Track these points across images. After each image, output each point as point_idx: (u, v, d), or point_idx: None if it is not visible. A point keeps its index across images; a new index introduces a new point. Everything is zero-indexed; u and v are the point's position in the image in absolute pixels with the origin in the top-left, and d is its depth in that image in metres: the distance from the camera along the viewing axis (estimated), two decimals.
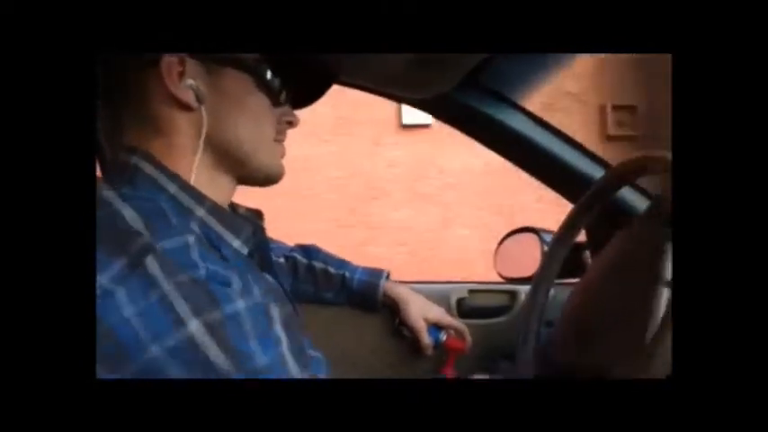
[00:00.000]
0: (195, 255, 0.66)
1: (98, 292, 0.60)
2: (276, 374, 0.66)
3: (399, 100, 1.42)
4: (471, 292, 1.61)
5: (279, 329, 0.71)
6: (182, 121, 0.77)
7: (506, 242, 1.60)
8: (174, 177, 0.75)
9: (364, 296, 1.41)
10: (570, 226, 1.10)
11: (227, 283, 0.68)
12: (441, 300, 1.51)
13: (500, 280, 1.61)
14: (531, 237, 1.48)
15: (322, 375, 0.71)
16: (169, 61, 0.75)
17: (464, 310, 1.59)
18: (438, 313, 1.40)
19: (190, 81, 0.76)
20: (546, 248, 1.31)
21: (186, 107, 0.77)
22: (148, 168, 0.75)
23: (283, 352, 0.68)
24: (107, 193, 0.70)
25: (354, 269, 1.39)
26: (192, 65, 0.76)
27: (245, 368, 0.63)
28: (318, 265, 1.38)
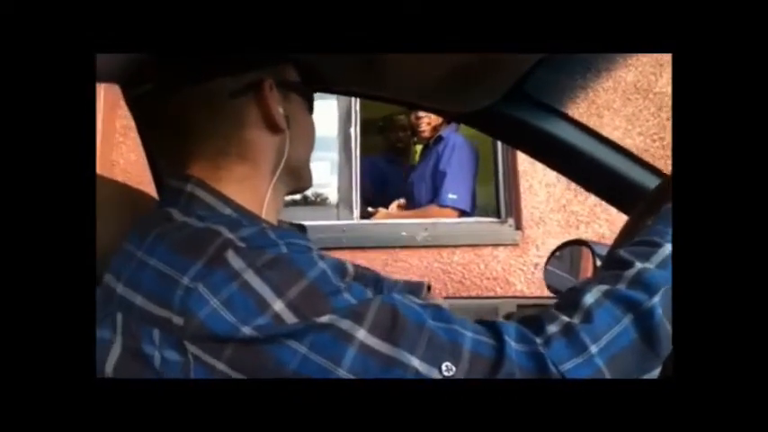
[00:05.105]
0: (273, 235, 0.68)
1: (179, 292, 0.63)
2: (369, 311, 0.65)
3: (445, 114, 1.41)
4: (520, 306, 1.57)
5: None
6: (268, 145, 0.82)
7: (557, 256, 1.52)
8: (229, 201, 0.77)
9: None
10: (627, 237, 0.99)
11: (308, 249, 0.70)
12: (488, 314, 1.48)
13: (550, 294, 1.54)
14: (583, 250, 1.40)
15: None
16: (267, 87, 0.79)
17: None
18: None
19: (278, 106, 0.81)
20: (599, 262, 1.26)
21: (277, 130, 0.81)
22: (202, 194, 0.76)
23: (370, 294, 0.69)
24: (170, 210, 0.73)
25: (393, 285, 1.33)
26: (276, 91, 0.81)
27: (338, 311, 0.64)
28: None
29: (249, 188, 0.80)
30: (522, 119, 1.25)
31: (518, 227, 3.06)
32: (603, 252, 1.22)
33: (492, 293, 2.97)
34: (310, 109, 0.92)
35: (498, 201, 3.18)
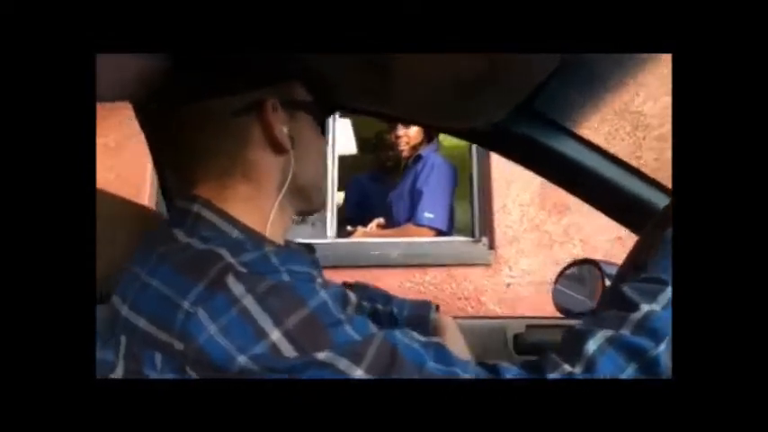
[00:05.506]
0: (275, 260, 0.68)
1: (180, 316, 0.62)
2: (369, 350, 0.64)
3: (449, 131, 1.38)
4: (529, 327, 1.55)
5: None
6: (272, 165, 0.81)
7: (565, 275, 1.46)
8: (235, 222, 0.76)
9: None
10: (636, 261, 0.96)
11: (311, 278, 0.69)
12: (496, 334, 1.48)
13: (558, 315, 1.48)
14: (592, 269, 1.35)
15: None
16: (270, 107, 0.79)
17: (521, 345, 1.51)
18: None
19: (283, 126, 0.80)
20: (608, 282, 1.23)
21: (281, 151, 0.80)
22: (209, 214, 0.76)
23: (373, 329, 0.67)
24: (176, 230, 0.72)
25: (402, 304, 1.27)
26: (280, 111, 0.80)
27: (337, 348, 0.63)
28: (365, 304, 1.28)
29: (254, 208, 0.80)
30: (529, 135, 1.24)
31: (491, 246, 3.07)
32: (612, 272, 1.19)
33: (463, 314, 2.96)
34: (321, 129, 0.91)
35: (473, 220, 3.19)
